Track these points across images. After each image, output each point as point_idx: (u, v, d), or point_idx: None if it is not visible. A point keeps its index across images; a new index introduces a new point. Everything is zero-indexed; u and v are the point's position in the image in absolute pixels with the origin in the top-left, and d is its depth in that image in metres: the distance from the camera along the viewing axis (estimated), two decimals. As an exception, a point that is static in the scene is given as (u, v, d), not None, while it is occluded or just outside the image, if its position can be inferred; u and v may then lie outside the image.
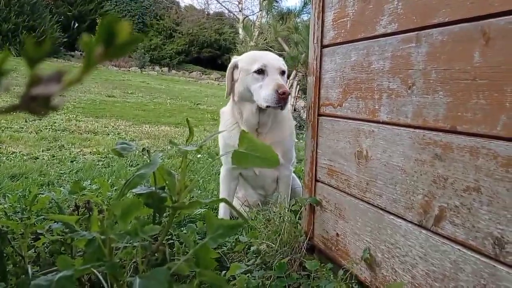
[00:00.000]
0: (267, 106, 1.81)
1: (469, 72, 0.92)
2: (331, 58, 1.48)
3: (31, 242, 1.12)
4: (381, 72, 1.21)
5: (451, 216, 0.99)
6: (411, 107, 1.10)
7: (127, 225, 0.73)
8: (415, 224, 1.10)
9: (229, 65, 1.99)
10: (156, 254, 0.80)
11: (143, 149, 0.93)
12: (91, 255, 0.72)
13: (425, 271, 1.07)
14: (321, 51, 1.53)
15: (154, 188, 0.86)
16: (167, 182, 0.84)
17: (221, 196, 2.09)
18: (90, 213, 0.95)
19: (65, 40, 16.84)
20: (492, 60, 0.87)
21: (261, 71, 1.84)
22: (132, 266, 0.89)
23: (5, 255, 1.00)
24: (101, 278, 0.74)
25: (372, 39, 1.25)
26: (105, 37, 0.34)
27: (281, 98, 1.76)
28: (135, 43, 0.35)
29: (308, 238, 1.61)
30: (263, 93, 1.80)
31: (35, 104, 0.34)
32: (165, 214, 0.91)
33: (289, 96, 1.80)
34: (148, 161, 0.83)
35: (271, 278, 1.41)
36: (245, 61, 1.92)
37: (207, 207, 2.23)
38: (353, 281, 1.33)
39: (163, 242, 0.88)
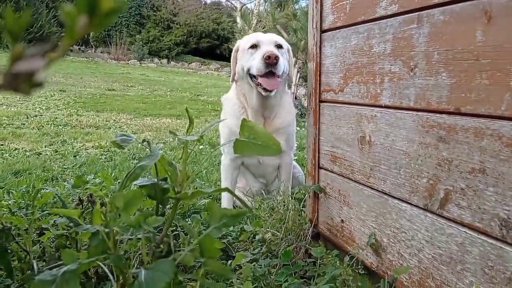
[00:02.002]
0: (258, 76, 1.82)
1: (472, 52, 0.90)
2: (331, 43, 1.46)
3: (36, 238, 1.12)
4: (383, 55, 1.19)
5: (456, 199, 0.98)
6: (414, 90, 1.08)
7: (129, 217, 0.72)
8: (421, 208, 1.10)
9: (234, 48, 2.04)
10: (161, 246, 0.79)
11: (144, 140, 0.92)
12: (96, 248, 0.71)
13: (431, 255, 1.07)
14: (320, 36, 1.51)
15: (156, 179, 0.85)
16: (168, 173, 0.83)
17: (223, 185, 2.09)
18: (93, 206, 0.95)
19: (62, 34, 16.77)
20: (494, 39, 0.86)
21: (254, 46, 1.89)
22: (138, 258, 0.89)
23: (10, 251, 1.00)
24: (107, 270, 0.74)
25: (372, 21, 1.23)
26: (88, 6, 0.33)
27: (268, 63, 1.76)
28: (119, 11, 0.34)
29: (313, 225, 1.61)
30: (254, 63, 1.82)
31: (18, 81, 0.32)
32: (168, 205, 0.90)
33: (279, 61, 1.78)
34: (149, 153, 0.82)
35: (277, 266, 1.41)
36: (244, 40, 1.98)
37: (210, 197, 2.23)
38: (359, 266, 1.32)
39: (168, 233, 0.87)
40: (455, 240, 0.99)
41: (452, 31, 0.95)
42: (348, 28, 1.35)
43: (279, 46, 1.90)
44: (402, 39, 1.11)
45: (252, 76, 1.87)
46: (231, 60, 2.03)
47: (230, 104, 2.04)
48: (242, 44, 1.97)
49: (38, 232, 1.22)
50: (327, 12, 1.47)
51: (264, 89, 1.82)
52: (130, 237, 0.73)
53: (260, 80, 1.81)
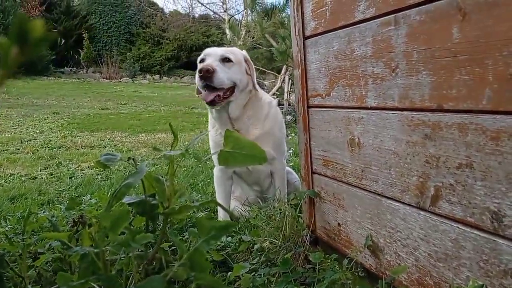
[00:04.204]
0: (199, 92, 1.85)
1: (450, 49, 0.92)
2: (314, 49, 1.48)
3: (31, 262, 1.12)
4: (364, 58, 1.21)
5: (447, 195, 0.99)
6: (397, 90, 1.09)
7: (117, 236, 0.72)
8: (413, 206, 1.10)
9: None
10: (153, 262, 0.79)
11: (129, 158, 0.92)
12: (85, 269, 0.71)
13: (427, 252, 1.07)
14: (304, 42, 1.53)
15: (144, 196, 0.85)
16: (156, 189, 0.83)
17: (217, 197, 2.08)
18: (85, 227, 0.95)
19: (53, 57, 16.77)
20: (470, 35, 0.87)
21: (202, 60, 1.91)
22: (132, 276, 0.89)
23: (5, 278, 0.99)
24: (101, 290, 0.74)
25: (352, 25, 1.24)
26: (19, 37, 0.34)
27: (200, 77, 1.78)
28: (49, 39, 0.35)
29: (310, 230, 1.61)
30: (196, 77, 1.84)
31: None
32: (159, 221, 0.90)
33: (214, 74, 1.78)
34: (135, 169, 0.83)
35: (277, 274, 1.41)
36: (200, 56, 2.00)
37: (208, 209, 2.23)
38: (358, 269, 1.32)
39: (163, 249, 0.87)
40: (449, 236, 1.00)
41: (429, 30, 0.97)
42: (330, 33, 1.37)
43: (226, 59, 1.89)
44: (381, 41, 1.12)
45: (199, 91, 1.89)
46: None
47: (210, 116, 2.06)
48: (198, 58, 1.99)
49: (33, 257, 1.22)
50: (308, 19, 1.48)
51: (207, 103, 1.83)
52: (122, 256, 0.73)
53: (200, 94, 1.84)
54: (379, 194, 1.23)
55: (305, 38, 1.52)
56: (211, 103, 1.81)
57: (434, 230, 1.04)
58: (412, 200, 1.10)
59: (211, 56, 1.89)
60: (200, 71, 1.77)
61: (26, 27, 0.34)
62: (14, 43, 0.34)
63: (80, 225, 0.97)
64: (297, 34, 1.55)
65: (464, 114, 0.91)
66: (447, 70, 0.93)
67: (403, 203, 1.14)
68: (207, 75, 1.77)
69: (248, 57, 2.01)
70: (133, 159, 0.90)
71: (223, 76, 1.82)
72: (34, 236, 1.44)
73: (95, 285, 0.74)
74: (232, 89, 1.87)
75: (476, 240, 0.92)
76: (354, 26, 1.23)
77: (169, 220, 0.85)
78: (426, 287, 1.08)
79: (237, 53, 1.97)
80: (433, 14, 0.95)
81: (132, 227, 0.92)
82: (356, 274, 1.32)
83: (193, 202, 2.01)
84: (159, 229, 0.85)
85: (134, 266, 0.75)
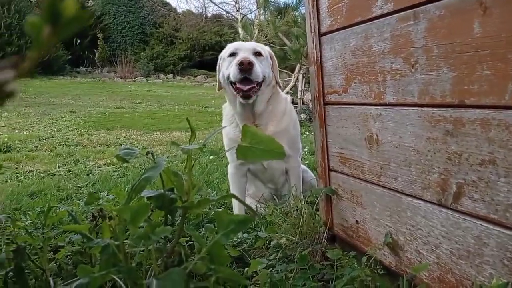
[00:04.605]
0: (234, 83, 1.84)
1: (471, 44, 0.90)
2: (330, 46, 1.47)
3: (52, 255, 1.14)
4: (382, 54, 1.19)
5: (469, 192, 0.97)
6: (417, 85, 1.08)
7: (137, 229, 0.73)
8: (434, 204, 1.09)
9: (218, 58, 2.07)
10: (172, 256, 0.80)
11: (147, 152, 0.93)
12: (106, 261, 0.72)
13: (449, 250, 1.06)
14: (319, 39, 1.52)
15: (162, 190, 0.86)
16: (174, 183, 0.84)
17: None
18: (104, 221, 0.96)
19: (69, 57, 17.02)
20: (491, 29, 0.85)
21: (233, 54, 1.91)
22: (151, 268, 0.90)
23: (26, 270, 1.01)
24: (121, 283, 0.75)
25: (369, 21, 1.23)
26: (51, 16, 0.33)
27: (241, 69, 1.77)
28: (82, 19, 0.35)
29: (328, 228, 1.60)
30: (231, 70, 1.84)
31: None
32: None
33: (254, 67, 1.79)
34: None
35: (294, 271, 1.41)
36: (225, 50, 2.01)
37: (223, 206, 2.24)
38: (378, 266, 1.31)
39: (181, 243, 0.88)
40: (471, 233, 0.98)
41: (449, 24, 0.95)
42: (346, 29, 1.36)
43: (257, 54, 1.91)
44: (400, 37, 1.11)
45: (232, 84, 1.89)
46: (216, 70, 2.07)
47: (226, 112, 2.07)
48: (223, 53, 2.00)
49: (53, 250, 1.24)
50: (324, 15, 1.48)
51: (242, 96, 1.83)
52: (142, 249, 0.74)
53: (237, 85, 1.83)
54: (398, 192, 1.22)
55: (321, 35, 1.52)
56: (247, 96, 1.82)
57: (456, 227, 1.02)
58: (434, 197, 1.08)
59: (243, 49, 1.90)
60: (241, 64, 1.77)
61: (58, 6, 0.33)
62: (46, 22, 0.34)
63: (100, 219, 0.99)
64: (312, 31, 1.55)
65: (486, 109, 0.89)
66: (469, 65, 0.92)
67: (424, 200, 1.12)
68: (248, 67, 1.77)
69: (272, 53, 2.02)
70: (152, 153, 0.91)
71: (259, 69, 1.83)
72: (54, 230, 1.47)
73: (115, 277, 0.75)
74: (260, 83, 1.88)
75: (499, 237, 0.91)
76: (372, 22, 1.22)
77: (186, 215, 0.85)
78: (447, 285, 1.07)
79: (265, 48, 1.99)
80: (453, 8, 0.94)
81: (151, 221, 0.93)
82: (375, 271, 1.31)
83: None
84: (177, 223, 0.86)
85: (154, 259, 0.75)
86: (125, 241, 0.81)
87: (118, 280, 0.76)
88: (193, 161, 0.88)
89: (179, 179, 0.84)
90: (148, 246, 0.75)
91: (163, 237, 0.84)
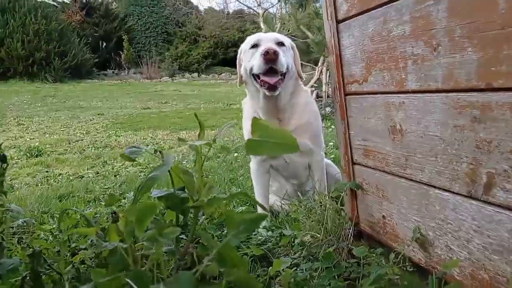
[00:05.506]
0: (257, 76, 1.78)
1: (496, 21, 0.83)
2: (348, 33, 1.40)
3: (69, 259, 1.14)
4: (403, 38, 1.13)
5: (501, 182, 0.90)
6: (440, 70, 1.01)
7: (143, 230, 0.70)
8: (464, 196, 1.02)
9: (238, 51, 2.02)
10: (185, 258, 0.77)
11: (155, 150, 0.90)
12: (115, 265, 0.70)
13: (481, 245, 0.99)
14: (337, 27, 1.46)
15: (172, 190, 0.83)
16: (184, 181, 0.81)
17: (255, 191, 2.06)
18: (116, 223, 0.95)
19: (96, 61, 17.42)
20: (520, 3, 0.78)
21: (255, 46, 1.85)
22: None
23: (43, 274, 1.01)
24: (134, 286, 0.72)
25: (387, 4, 1.16)
26: None
27: (267, 59, 1.70)
28: None
29: (353, 224, 1.54)
30: (254, 62, 1.78)
31: None
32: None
33: (279, 57, 1.71)
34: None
35: (319, 269, 1.36)
36: (245, 43, 1.95)
37: (247, 204, 2.21)
38: (406, 264, 1.25)
39: (194, 244, 0.85)
40: (505, 226, 0.91)
41: (472, 2, 0.88)
42: (364, 14, 1.29)
43: (280, 44, 1.84)
44: (420, 18, 1.04)
45: (255, 77, 1.83)
46: (237, 63, 2.01)
47: (246, 108, 2.02)
48: (244, 45, 1.94)
49: (73, 253, 1.25)
50: (340, 1, 1.41)
51: (268, 88, 1.76)
52: (152, 251, 0.71)
53: (262, 78, 1.77)
54: (425, 184, 1.15)
55: (338, 22, 1.45)
56: (273, 88, 1.77)
57: (488, 220, 0.95)
58: (463, 189, 1.01)
59: (266, 40, 1.84)
60: (266, 53, 1.70)
61: None
62: None
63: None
64: (329, 18, 1.49)
65: (517, 92, 0.82)
66: (495, 44, 0.84)
67: (452, 192, 1.05)
68: (273, 57, 1.71)
69: (294, 44, 1.97)
70: (160, 151, 0.88)
71: (284, 59, 1.77)
72: (75, 233, 1.47)
73: (125, 280, 0.72)
74: (284, 74, 1.82)
75: (537, 231, 0.84)
76: (390, 5, 1.15)
77: (204, 214, 0.83)
78: (480, 282, 1.00)
79: (286, 38, 1.93)
80: (477, -17, 0.87)
81: (164, 221, 0.91)
82: (404, 269, 1.24)
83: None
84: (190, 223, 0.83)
85: (162, 261, 0.73)
86: (139, 243, 0.79)
87: (131, 282, 0.74)
88: (205, 159, 0.86)
89: (189, 177, 0.81)
90: (158, 248, 0.72)
91: (175, 239, 0.81)
